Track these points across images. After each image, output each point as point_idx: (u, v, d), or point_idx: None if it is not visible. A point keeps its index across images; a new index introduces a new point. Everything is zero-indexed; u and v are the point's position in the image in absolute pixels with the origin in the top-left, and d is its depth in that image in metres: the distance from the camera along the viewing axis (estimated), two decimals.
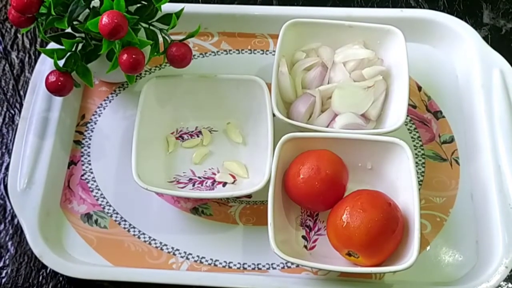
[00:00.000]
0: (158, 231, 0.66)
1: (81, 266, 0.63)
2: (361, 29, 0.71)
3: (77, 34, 0.65)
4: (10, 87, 0.77)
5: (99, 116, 0.73)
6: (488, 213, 0.64)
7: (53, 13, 0.61)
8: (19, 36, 0.81)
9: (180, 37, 0.67)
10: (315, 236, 0.64)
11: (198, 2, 0.82)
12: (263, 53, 0.77)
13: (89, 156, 0.71)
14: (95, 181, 0.69)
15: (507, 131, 0.67)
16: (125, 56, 0.61)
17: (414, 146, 0.70)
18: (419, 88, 0.74)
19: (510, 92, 0.69)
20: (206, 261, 0.64)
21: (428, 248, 0.64)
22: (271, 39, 0.78)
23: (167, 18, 0.65)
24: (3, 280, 0.65)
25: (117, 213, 0.67)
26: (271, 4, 0.82)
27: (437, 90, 0.74)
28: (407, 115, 0.65)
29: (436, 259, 0.64)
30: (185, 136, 0.71)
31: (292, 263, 0.61)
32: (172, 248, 0.65)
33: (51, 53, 0.63)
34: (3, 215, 0.69)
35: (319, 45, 0.72)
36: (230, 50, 0.77)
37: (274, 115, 0.65)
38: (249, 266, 0.64)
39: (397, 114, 0.66)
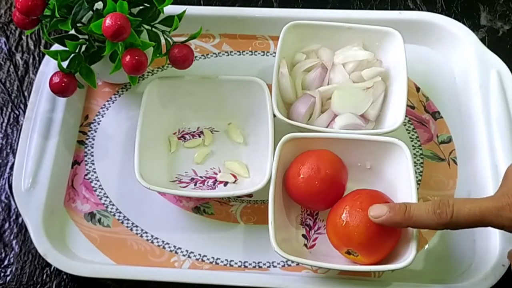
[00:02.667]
0: (161, 230, 0.66)
1: (84, 264, 0.64)
2: (360, 31, 0.71)
3: (80, 36, 0.66)
4: (15, 88, 0.78)
5: (102, 116, 0.74)
6: None
7: (57, 15, 0.62)
8: (24, 37, 0.81)
9: (182, 39, 0.67)
10: (315, 235, 0.65)
11: (200, 4, 0.83)
12: (263, 55, 0.78)
13: (92, 156, 0.71)
14: (98, 180, 0.70)
15: (504, 131, 0.68)
16: (128, 58, 0.61)
17: (413, 146, 0.71)
18: (418, 89, 0.74)
19: (507, 93, 0.70)
20: (208, 259, 0.65)
21: (426, 246, 0.65)
22: (272, 40, 0.78)
23: (169, 20, 0.65)
24: (8, 278, 0.66)
25: (120, 212, 0.68)
26: (272, 6, 0.82)
27: (435, 91, 0.74)
28: (406, 116, 0.65)
29: (434, 257, 0.64)
30: (187, 136, 0.72)
31: (292, 262, 0.61)
32: (174, 246, 0.66)
33: (55, 55, 0.64)
34: (7, 214, 0.69)
35: (319, 47, 0.72)
36: (231, 52, 0.78)
37: (274, 115, 0.66)
38: (250, 264, 0.64)
39: (395, 114, 0.66)
